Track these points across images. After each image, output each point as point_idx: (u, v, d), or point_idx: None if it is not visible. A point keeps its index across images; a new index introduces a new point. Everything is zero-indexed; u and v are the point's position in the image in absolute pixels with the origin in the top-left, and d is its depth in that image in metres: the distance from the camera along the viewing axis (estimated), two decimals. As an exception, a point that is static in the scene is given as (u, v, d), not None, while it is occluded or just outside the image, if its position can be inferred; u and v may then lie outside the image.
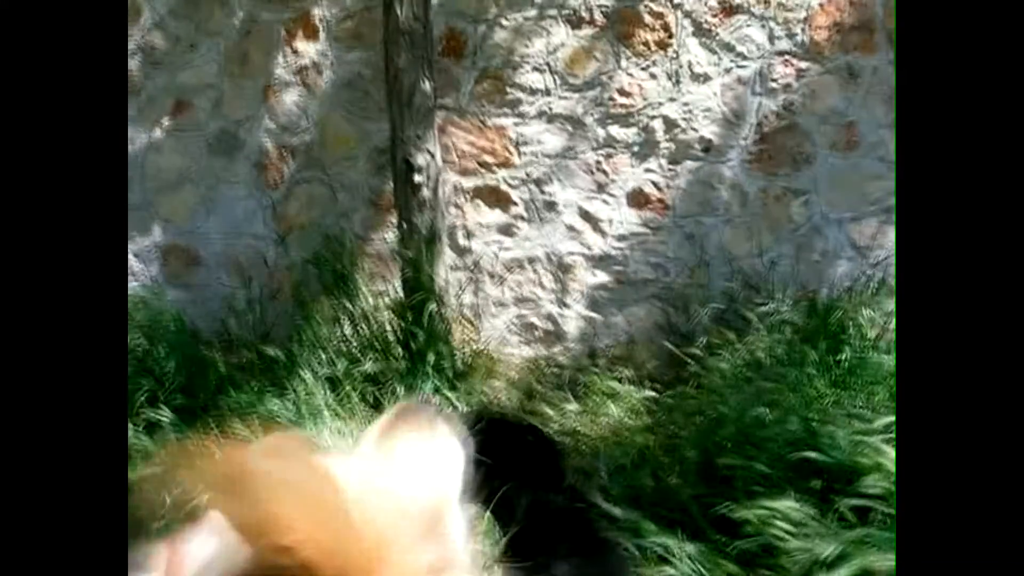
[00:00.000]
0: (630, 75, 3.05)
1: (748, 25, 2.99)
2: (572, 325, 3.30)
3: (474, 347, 3.16)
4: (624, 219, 3.19)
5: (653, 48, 3.02)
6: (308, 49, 3.09)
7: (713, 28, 2.99)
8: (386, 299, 3.13)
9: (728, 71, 3.04)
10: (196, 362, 2.89)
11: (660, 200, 3.16)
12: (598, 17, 3.00)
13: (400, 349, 2.92)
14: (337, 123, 3.16)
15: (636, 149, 3.12)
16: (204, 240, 3.32)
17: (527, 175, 3.16)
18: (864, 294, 2.93)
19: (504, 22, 3.01)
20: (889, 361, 2.52)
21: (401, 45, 2.73)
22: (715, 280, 3.20)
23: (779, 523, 1.94)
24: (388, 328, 2.99)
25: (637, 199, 3.17)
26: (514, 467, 1.56)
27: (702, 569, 1.97)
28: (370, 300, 3.02)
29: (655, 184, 3.15)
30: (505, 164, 3.15)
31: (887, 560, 1.71)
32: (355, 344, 2.98)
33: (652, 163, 3.14)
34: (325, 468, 0.52)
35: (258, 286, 3.24)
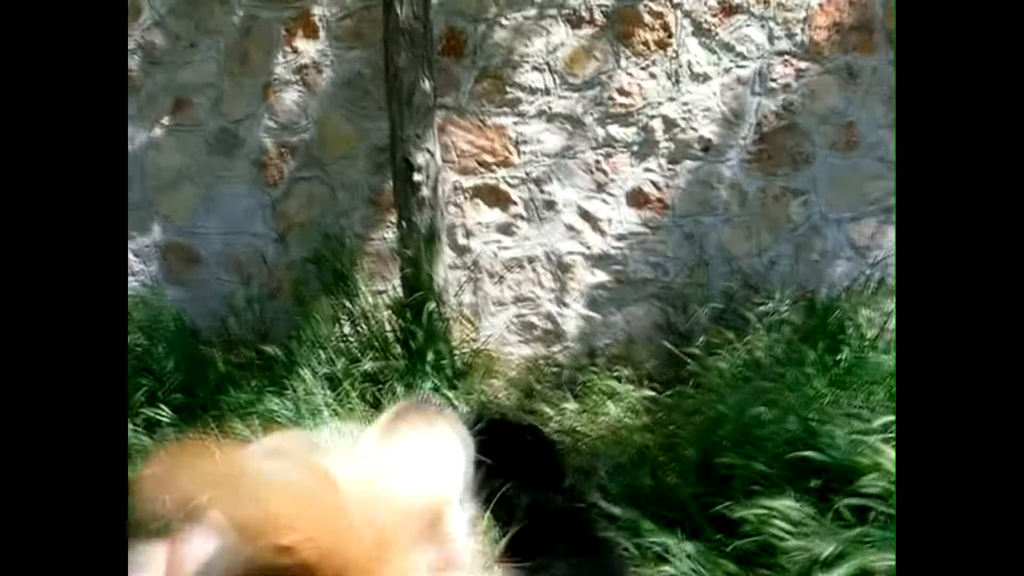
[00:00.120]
0: (630, 75, 3.05)
1: (748, 25, 2.99)
2: (571, 324, 3.30)
3: (473, 346, 3.16)
4: (623, 218, 3.19)
5: (653, 48, 3.02)
6: (308, 48, 3.09)
7: (713, 28, 2.99)
8: (385, 298, 3.13)
9: (728, 71, 3.04)
10: (195, 360, 2.89)
11: (659, 199, 3.17)
12: (598, 17, 3.00)
13: (399, 348, 2.92)
14: (337, 122, 3.16)
15: (636, 149, 3.12)
16: (203, 239, 3.32)
17: (526, 174, 3.16)
18: (863, 294, 2.93)
19: (504, 21, 3.01)
20: (887, 361, 2.52)
21: (401, 44, 2.73)
22: (714, 280, 3.20)
23: (778, 522, 1.94)
24: (387, 327, 2.99)
25: (636, 198, 3.17)
26: (514, 467, 1.56)
27: (701, 568, 1.98)
28: (369, 299, 3.03)
29: (654, 184, 3.15)
30: (505, 163, 3.15)
31: (885, 559, 1.71)
32: (354, 343, 2.98)
33: (651, 163, 3.14)
34: (325, 468, 0.52)
35: (257, 285, 3.24)
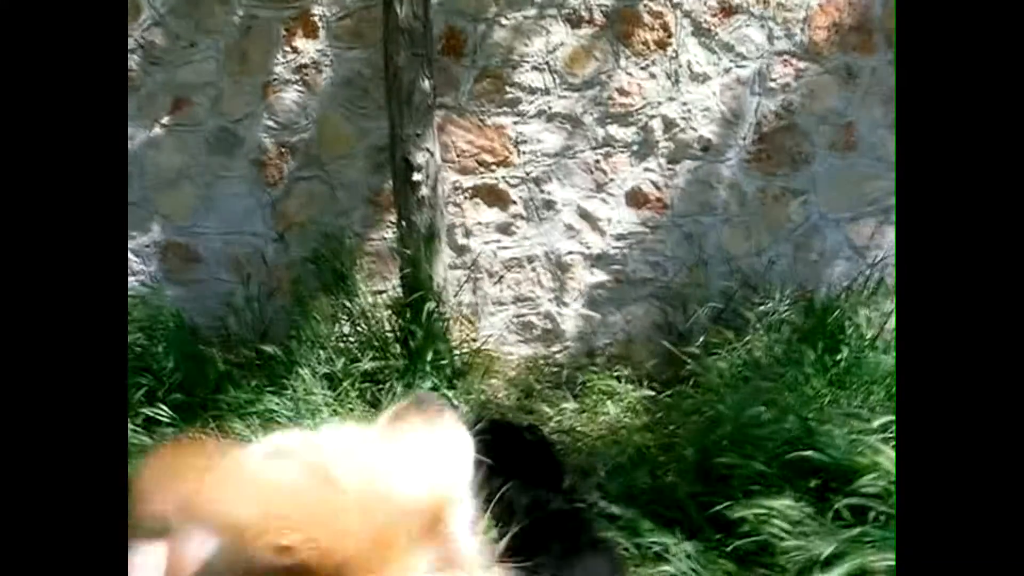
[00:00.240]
0: (629, 74, 3.05)
1: (747, 25, 2.99)
2: (570, 324, 3.30)
3: (472, 346, 3.16)
4: (623, 218, 3.19)
5: (652, 48, 3.02)
6: (308, 47, 3.08)
7: (712, 28, 2.99)
8: (385, 297, 3.13)
9: (727, 71, 3.04)
10: (195, 359, 2.89)
11: (659, 199, 3.17)
12: (597, 16, 3.00)
13: (398, 347, 2.92)
14: (336, 121, 3.15)
15: (635, 148, 3.12)
16: (203, 238, 3.31)
17: (526, 174, 3.16)
18: (862, 294, 2.93)
19: (504, 21, 3.01)
20: (886, 361, 2.52)
21: (400, 44, 2.73)
22: (713, 279, 3.20)
23: (776, 522, 1.95)
24: (387, 326, 2.99)
25: (636, 198, 3.17)
26: (514, 467, 1.56)
27: (699, 568, 1.98)
28: (369, 298, 3.02)
29: (654, 183, 3.15)
30: (504, 163, 3.15)
31: (884, 559, 1.71)
32: (354, 342, 2.98)
33: (651, 162, 3.14)
34: (325, 468, 0.52)
35: (257, 284, 3.23)
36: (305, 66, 3.10)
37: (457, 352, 3.03)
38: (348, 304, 2.99)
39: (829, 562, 1.77)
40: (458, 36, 3.03)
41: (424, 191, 2.89)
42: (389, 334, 2.97)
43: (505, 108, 3.09)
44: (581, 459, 2.56)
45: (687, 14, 2.99)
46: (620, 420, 2.80)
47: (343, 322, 3.03)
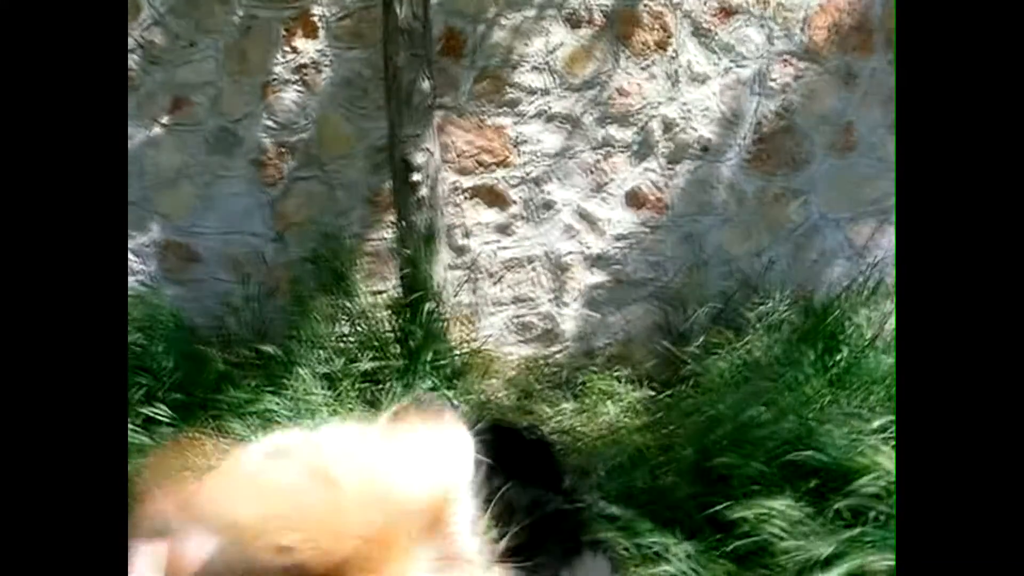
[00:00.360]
0: (629, 75, 3.05)
1: (747, 26, 2.99)
2: (569, 324, 3.30)
3: (471, 346, 3.16)
4: (622, 219, 3.19)
5: (652, 48, 3.02)
6: (307, 47, 3.08)
7: (712, 28, 2.99)
8: (384, 297, 3.12)
9: (727, 71, 3.04)
10: (193, 359, 2.89)
11: (658, 200, 3.17)
12: (597, 17, 3.00)
13: (397, 347, 2.92)
14: (336, 121, 3.15)
15: (634, 149, 3.12)
16: (202, 238, 3.31)
17: (525, 174, 3.16)
18: (861, 294, 2.93)
19: (503, 21, 3.01)
20: (886, 361, 2.53)
21: (400, 44, 2.72)
22: (712, 280, 3.20)
23: (775, 522, 1.95)
24: (386, 326, 2.99)
25: (635, 199, 3.17)
26: (513, 467, 1.56)
27: (698, 568, 1.98)
28: (368, 298, 3.02)
29: (653, 184, 3.15)
30: (503, 163, 3.15)
31: (883, 559, 1.72)
32: (353, 342, 2.98)
33: (650, 163, 3.14)
34: (325, 468, 0.52)
35: (256, 284, 3.23)
36: (305, 66, 3.10)
37: (456, 352, 3.03)
38: (347, 304, 2.99)
39: (828, 562, 1.77)
40: (458, 37, 3.03)
41: (423, 191, 2.89)
42: (388, 334, 2.97)
43: (505, 108, 3.09)
44: (580, 459, 2.56)
45: (687, 15, 2.99)
46: (619, 420, 2.81)
47: (342, 322, 3.03)
